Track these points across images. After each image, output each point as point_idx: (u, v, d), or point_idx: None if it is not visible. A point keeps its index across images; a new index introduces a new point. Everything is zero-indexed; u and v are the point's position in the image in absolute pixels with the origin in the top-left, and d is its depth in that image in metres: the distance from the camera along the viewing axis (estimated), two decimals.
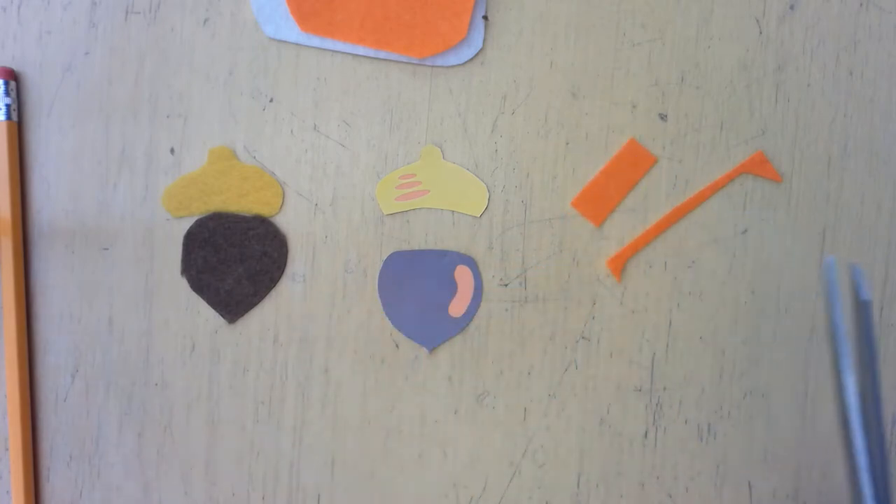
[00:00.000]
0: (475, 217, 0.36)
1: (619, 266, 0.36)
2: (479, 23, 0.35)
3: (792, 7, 0.36)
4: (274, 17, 0.35)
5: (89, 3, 0.35)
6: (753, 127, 0.36)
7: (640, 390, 0.37)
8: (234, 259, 0.36)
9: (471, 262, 0.36)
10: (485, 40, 0.36)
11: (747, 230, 0.36)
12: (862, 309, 0.24)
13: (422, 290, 0.36)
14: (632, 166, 0.36)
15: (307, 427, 0.37)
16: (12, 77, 0.35)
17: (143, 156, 0.36)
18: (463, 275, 0.36)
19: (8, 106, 0.35)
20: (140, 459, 0.37)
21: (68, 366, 0.36)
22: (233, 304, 0.36)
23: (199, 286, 0.36)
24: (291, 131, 0.36)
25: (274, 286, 0.36)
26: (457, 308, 0.36)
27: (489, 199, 0.36)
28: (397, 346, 0.36)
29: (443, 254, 0.36)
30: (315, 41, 0.35)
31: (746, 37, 0.36)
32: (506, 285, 0.36)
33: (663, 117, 0.36)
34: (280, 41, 0.35)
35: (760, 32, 0.36)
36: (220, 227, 0.36)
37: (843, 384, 0.24)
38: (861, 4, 0.36)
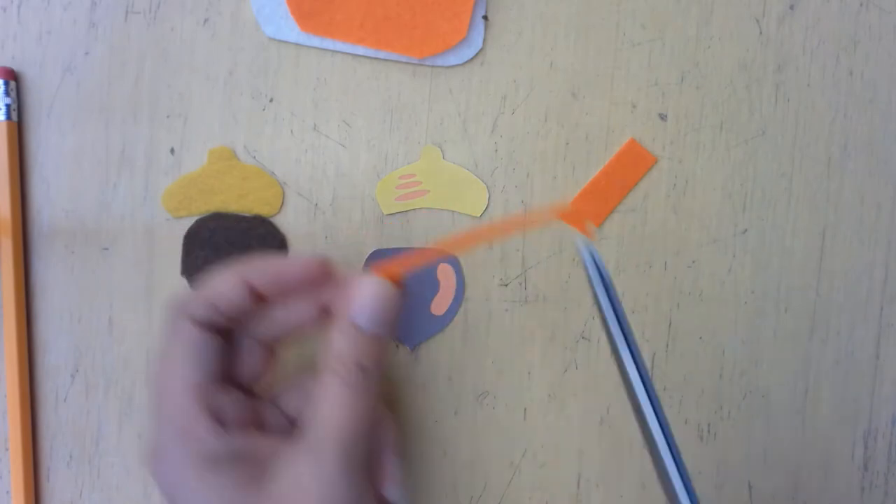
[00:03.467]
0: (475, 217, 0.36)
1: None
2: (479, 23, 0.35)
3: (792, 7, 0.36)
4: (274, 17, 0.35)
5: (89, 3, 0.35)
6: (753, 127, 0.36)
7: None
8: (234, 259, 0.36)
9: (453, 261, 0.36)
10: (485, 40, 0.36)
11: (747, 230, 0.36)
12: (608, 284, 0.27)
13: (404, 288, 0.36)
14: (632, 166, 0.36)
15: None
16: (12, 77, 0.35)
17: (143, 156, 0.36)
18: (445, 273, 0.36)
19: (8, 106, 0.35)
20: (140, 459, 0.37)
21: (68, 366, 0.36)
22: None
23: (199, 286, 0.36)
24: (291, 131, 0.36)
25: None
26: (439, 306, 0.36)
27: (489, 199, 0.36)
28: (397, 346, 0.36)
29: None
30: (315, 41, 0.35)
31: (746, 37, 0.36)
32: (506, 285, 0.36)
33: (663, 117, 0.36)
34: (280, 41, 0.35)
35: (760, 32, 0.36)
36: (220, 227, 0.36)
37: (623, 361, 0.27)
38: (861, 4, 0.36)
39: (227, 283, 0.28)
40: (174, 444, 0.26)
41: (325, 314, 0.29)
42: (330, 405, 0.26)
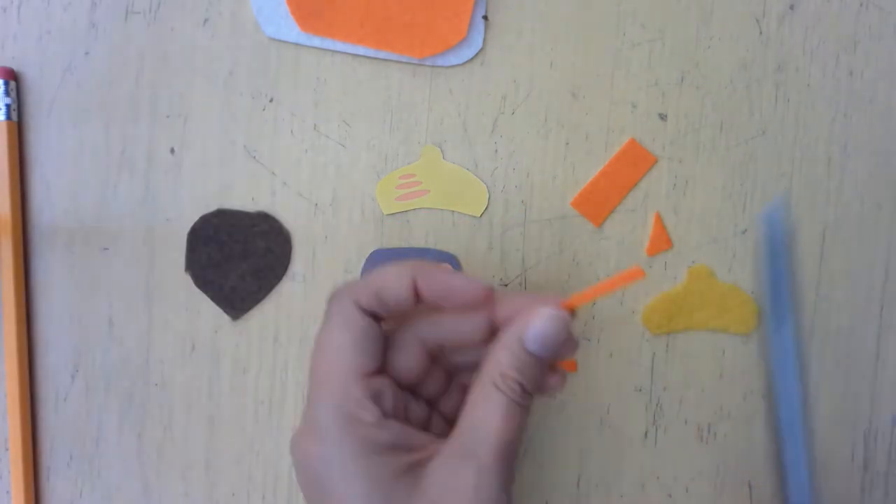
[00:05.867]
0: (475, 217, 0.36)
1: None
2: (479, 23, 0.35)
3: (792, 7, 0.36)
4: (274, 17, 0.35)
5: (89, 3, 0.35)
6: (753, 127, 0.36)
7: (640, 390, 0.37)
8: (238, 256, 0.36)
9: (453, 260, 0.36)
10: (485, 40, 0.36)
11: (747, 230, 0.36)
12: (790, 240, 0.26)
13: None
14: (632, 166, 0.36)
15: None
16: (12, 77, 0.35)
17: (143, 156, 0.36)
18: None
19: (8, 106, 0.35)
20: (140, 459, 0.37)
21: (68, 366, 0.36)
22: (237, 300, 0.36)
23: (203, 283, 0.36)
24: (291, 131, 0.36)
25: (278, 283, 0.36)
26: None
27: (489, 199, 0.36)
28: None
29: (424, 252, 0.36)
30: (315, 41, 0.35)
31: (746, 37, 0.36)
32: (506, 285, 0.36)
33: (663, 117, 0.36)
34: (280, 41, 0.35)
35: (760, 32, 0.36)
36: (223, 224, 0.36)
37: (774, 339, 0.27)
38: (861, 4, 0.36)
39: (396, 278, 0.28)
40: (337, 428, 0.27)
41: (492, 335, 0.30)
42: (493, 416, 0.27)
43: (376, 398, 0.28)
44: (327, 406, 0.28)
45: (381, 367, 0.29)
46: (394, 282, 0.28)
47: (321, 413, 0.28)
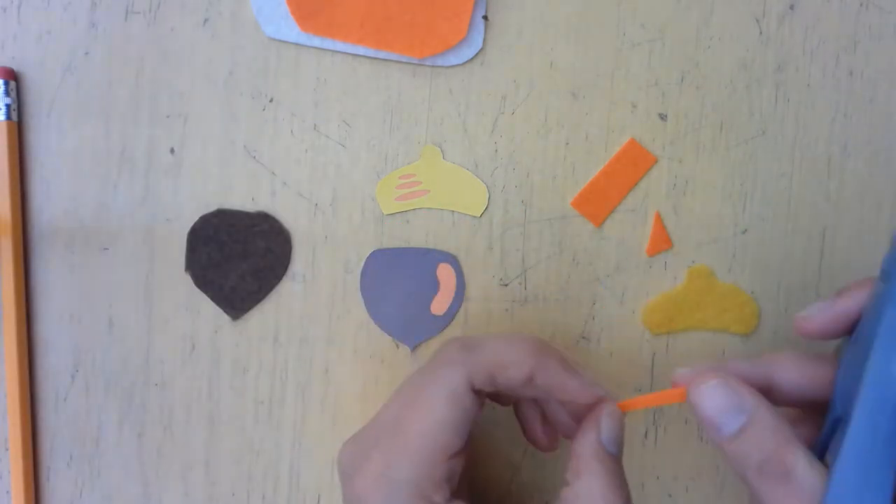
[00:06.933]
0: (475, 217, 0.36)
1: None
2: (479, 23, 0.35)
3: (792, 7, 0.36)
4: (274, 17, 0.35)
5: (89, 3, 0.35)
6: (753, 127, 0.36)
7: (640, 390, 0.37)
8: (238, 256, 0.36)
9: (453, 261, 0.36)
10: (485, 40, 0.36)
11: (747, 230, 0.36)
12: None
13: (404, 289, 0.36)
14: (631, 166, 0.36)
15: (307, 427, 0.37)
16: (12, 77, 0.35)
17: (143, 156, 0.36)
18: (445, 273, 0.36)
19: (8, 106, 0.35)
20: (140, 459, 0.37)
21: (68, 366, 0.36)
22: (237, 300, 0.36)
23: (203, 283, 0.36)
24: (291, 131, 0.36)
25: (278, 283, 0.36)
26: (439, 306, 0.36)
27: (489, 199, 0.36)
28: (397, 346, 0.36)
29: (425, 252, 0.36)
30: (315, 41, 0.35)
31: (746, 37, 0.36)
32: (506, 285, 0.36)
33: (663, 117, 0.36)
34: (280, 41, 0.35)
35: (760, 32, 0.36)
36: (223, 224, 0.36)
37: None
38: (861, 4, 0.36)
39: (517, 365, 0.28)
40: (409, 497, 0.27)
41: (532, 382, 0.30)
42: None
43: (450, 478, 0.28)
44: (408, 476, 0.27)
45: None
46: (513, 369, 0.28)
47: (398, 476, 0.27)
